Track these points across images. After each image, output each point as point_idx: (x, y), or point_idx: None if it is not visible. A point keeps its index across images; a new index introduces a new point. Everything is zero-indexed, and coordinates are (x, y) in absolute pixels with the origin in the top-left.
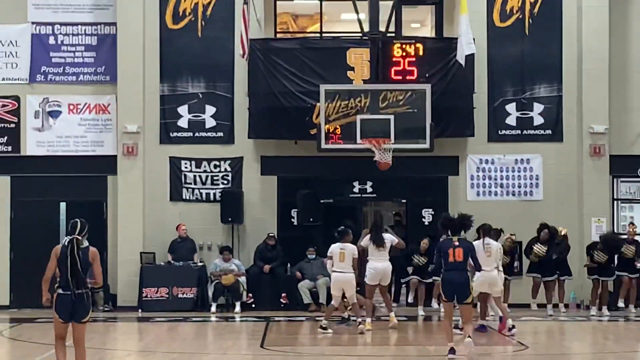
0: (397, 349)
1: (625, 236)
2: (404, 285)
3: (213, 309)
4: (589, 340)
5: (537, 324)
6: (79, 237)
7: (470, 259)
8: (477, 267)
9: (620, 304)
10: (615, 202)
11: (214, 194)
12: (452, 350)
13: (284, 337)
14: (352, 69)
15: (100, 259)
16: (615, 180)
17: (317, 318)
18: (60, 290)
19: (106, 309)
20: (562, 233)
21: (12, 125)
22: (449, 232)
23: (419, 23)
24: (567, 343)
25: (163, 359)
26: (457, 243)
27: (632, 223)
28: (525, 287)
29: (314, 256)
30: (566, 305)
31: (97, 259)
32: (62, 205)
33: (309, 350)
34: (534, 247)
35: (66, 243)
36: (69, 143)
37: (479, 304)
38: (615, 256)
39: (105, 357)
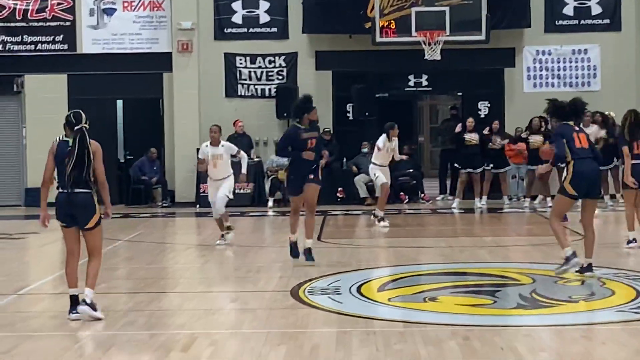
0: (452, 240)
1: None
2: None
3: (270, 204)
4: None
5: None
6: (87, 126)
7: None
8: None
9: None
10: None
11: (269, 90)
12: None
13: (340, 230)
14: None
15: (159, 156)
16: None
17: (372, 212)
18: (59, 190)
19: (165, 204)
20: (612, 114)
21: (68, 24)
22: (560, 119)
23: None
24: (623, 232)
25: (221, 253)
26: (577, 128)
27: None
28: None
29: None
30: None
31: (99, 153)
32: (119, 102)
33: (366, 243)
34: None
35: (63, 137)
36: (124, 40)
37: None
38: None
39: (165, 250)
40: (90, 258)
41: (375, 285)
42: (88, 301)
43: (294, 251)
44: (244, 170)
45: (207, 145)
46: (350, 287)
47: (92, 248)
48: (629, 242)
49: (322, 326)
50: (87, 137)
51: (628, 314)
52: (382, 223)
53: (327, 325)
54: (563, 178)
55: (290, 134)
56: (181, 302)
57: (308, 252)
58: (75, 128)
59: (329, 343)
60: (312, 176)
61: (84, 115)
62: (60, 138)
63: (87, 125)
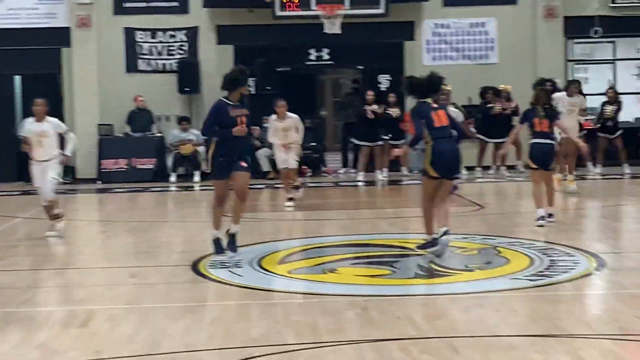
0: (354, 212)
1: None
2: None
3: (172, 179)
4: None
5: (494, 185)
6: None
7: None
8: (461, 133)
9: None
10: (569, 63)
11: (170, 65)
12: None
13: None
14: None
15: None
16: (569, 41)
17: (275, 185)
18: None
19: (65, 181)
20: (508, 89)
21: None
22: (418, 97)
23: None
24: (522, 202)
25: (122, 228)
26: (435, 105)
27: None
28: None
29: None
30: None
31: None
32: (17, 78)
33: (268, 216)
34: (495, 109)
35: None
36: (21, 15)
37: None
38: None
39: (66, 227)
40: None
41: (276, 258)
42: None
43: (218, 248)
44: (68, 152)
45: (31, 122)
46: (250, 261)
47: None
48: (540, 218)
49: (221, 299)
50: None
51: (522, 282)
52: (288, 203)
53: (226, 298)
54: (424, 159)
55: (219, 109)
56: (81, 278)
57: (232, 241)
58: None
59: (228, 316)
60: (242, 163)
61: None
62: None
63: None
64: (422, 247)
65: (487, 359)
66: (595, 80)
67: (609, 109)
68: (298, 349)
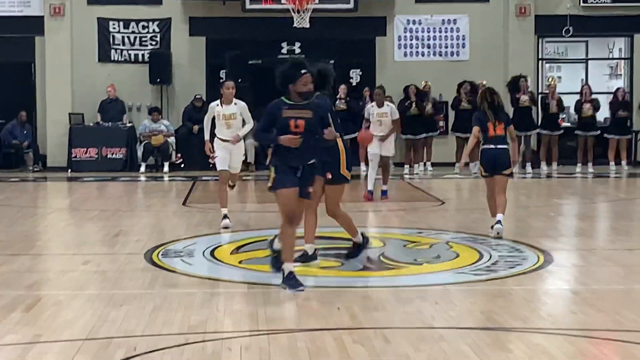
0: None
1: (547, 92)
2: None
3: (142, 169)
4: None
5: (460, 181)
6: None
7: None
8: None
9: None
10: (540, 61)
11: (143, 55)
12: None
13: (207, 195)
14: None
15: (30, 120)
16: (540, 40)
17: (244, 177)
18: None
19: (36, 169)
20: (484, 83)
21: None
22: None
23: None
24: (483, 199)
25: (85, 216)
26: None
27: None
28: (450, 146)
29: None
30: None
31: None
32: None
33: (230, 207)
34: (462, 103)
35: None
36: None
37: None
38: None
39: (28, 214)
40: None
41: (229, 248)
42: None
43: (293, 282)
44: None
45: None
46: (204, 250)
47: None
48: (497, 222)
49: (168, 287)
50: None
51: (466, 276)
52: (224, 221)
53: (173, 286)
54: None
55: (271, 110)
56: (33, 264)
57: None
58: None
59: (171, 304)
60: (309, 188)
61: None
62: None
63: None
64: (353, 254)
65: (417, 349)
66: (568, 79)
67: None
68: (233, 336)
